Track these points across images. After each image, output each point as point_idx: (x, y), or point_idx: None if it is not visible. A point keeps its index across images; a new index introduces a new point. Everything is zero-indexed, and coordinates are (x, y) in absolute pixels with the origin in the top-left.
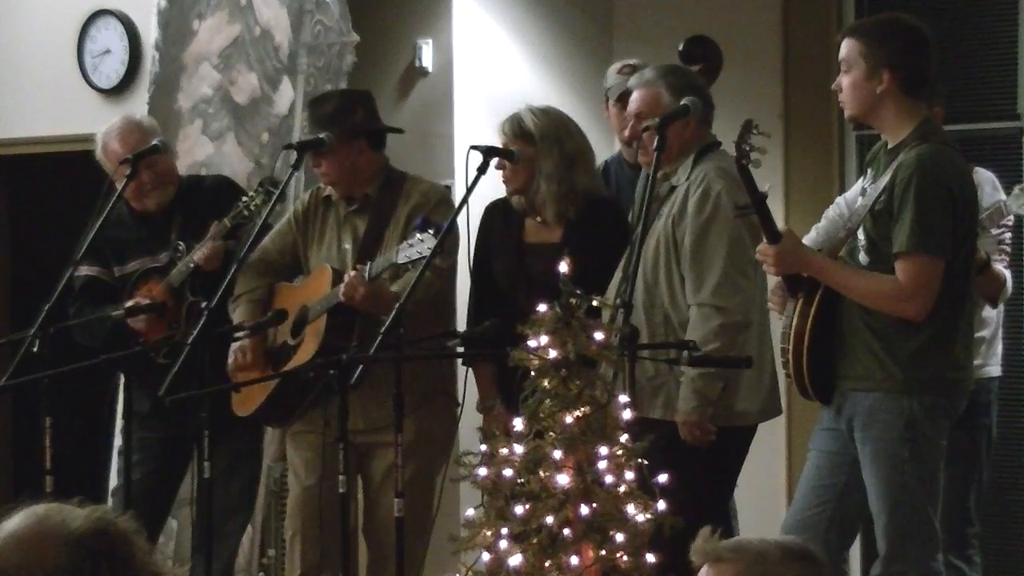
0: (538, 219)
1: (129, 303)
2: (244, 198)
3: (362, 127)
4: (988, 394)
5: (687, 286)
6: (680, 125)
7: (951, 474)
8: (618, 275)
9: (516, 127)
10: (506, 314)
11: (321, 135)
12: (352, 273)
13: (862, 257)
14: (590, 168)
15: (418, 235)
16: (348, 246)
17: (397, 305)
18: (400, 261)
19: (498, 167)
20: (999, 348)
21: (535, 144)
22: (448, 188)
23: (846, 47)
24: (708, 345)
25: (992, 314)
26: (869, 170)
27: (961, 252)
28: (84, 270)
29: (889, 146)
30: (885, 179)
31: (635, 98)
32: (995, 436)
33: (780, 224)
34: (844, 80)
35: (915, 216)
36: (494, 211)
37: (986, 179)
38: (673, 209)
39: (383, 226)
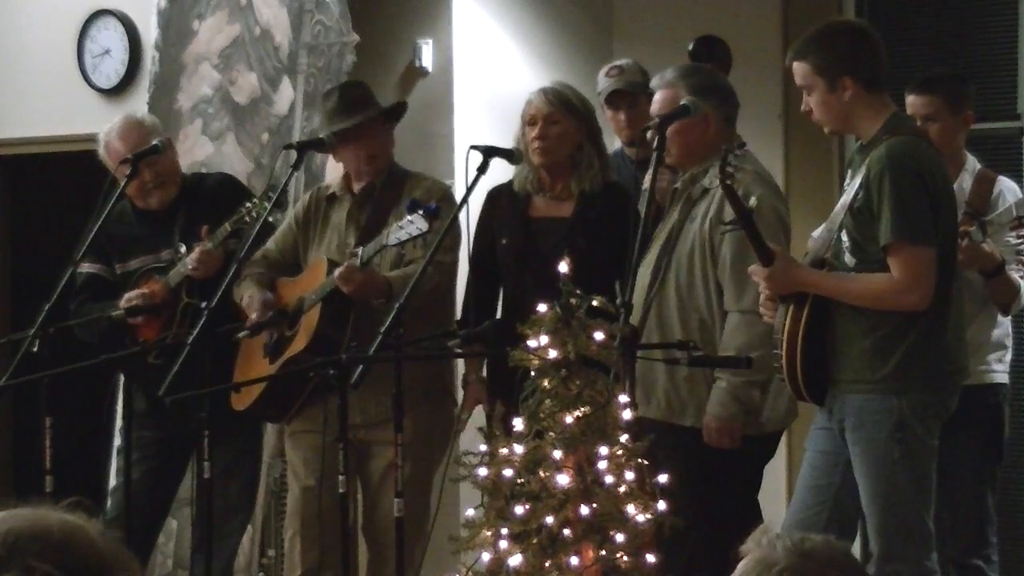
0: (548, 195)
1: (126, 296)
2: (247, 204)
3: (394, 108)
4: (996, 396)
5: (727, 292)
6: (700, 126)
7: (966, 474)
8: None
9: (562, 97)
10: (510, 302)
11: (346, 124)
12: (348, 261)
13: (848, 258)
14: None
15: (408, 217)
16: (351, 240)
17: (398, 305)
18: (391, 243)
19: (537, 138)
20: (1008, 356)
21: (579, 118)
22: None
23: (798, 72)
24: (753, 351)
25: (1005, 319)
26: (849, 171)
27: (945, 242)
28: (86, 267)
29: (862, 144)
30: (860, 177)
31: (656, 99)
32: (1007, 436)
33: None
34: (811, 101)
35: (894, 207)
36: (498, 195)
37: (1008, 188)
38: (710, 213)
39: (385, 219)
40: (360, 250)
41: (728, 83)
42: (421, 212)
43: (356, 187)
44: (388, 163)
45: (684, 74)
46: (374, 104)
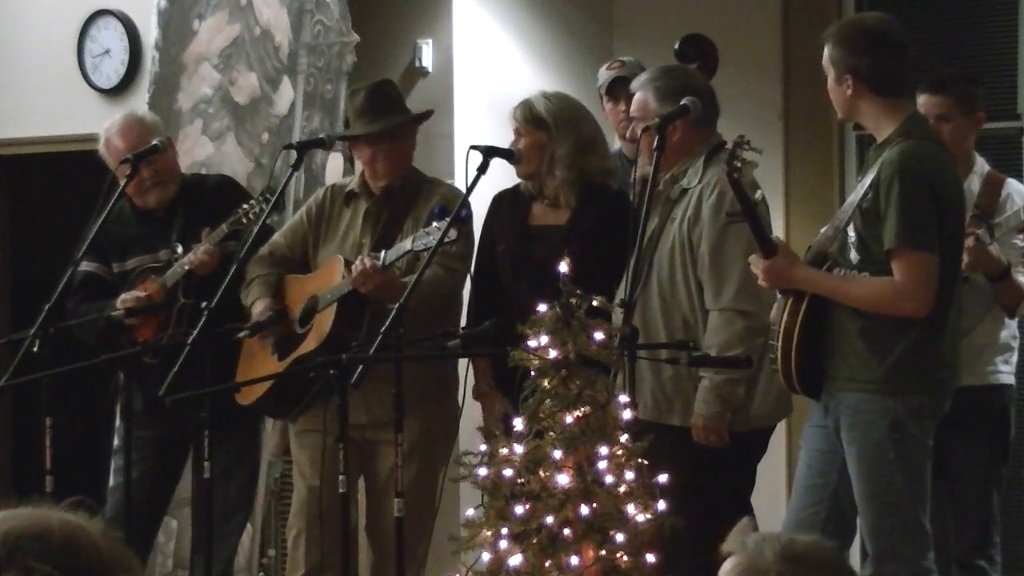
0: (545, 202)
1: (122, 297)
2: (244, 205)
3: (428, 113)
4: (1002, 397)
5: (706, 291)
6: (668, 127)
7: (971, 475)
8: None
9: (527, 112)
10: (508, 307)
11: (394, 121)
12: (366, 261)
13: (853, 255)
14: (602, 154)
15: (435, 224)
16: (366, 240)
17: (397, 306)
18: (416, 248)
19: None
20: (1014, 357)
21: (547, 129)
22: None
23: (824, 53)
24: (732, 350)
25: (1012, 320)
26: (863, 168)
27: (948, 248)
28: (84, 266)
29: (877, 143)
30: (870, 176)
31: (634, 100)
32: (1013, 437)
33: (780, 223)
34: (828, 85)
35: (900, 212)
36: (501, 199)
37: (1016, 190)
38: (688, 212)
39: (401, 222)
40: (383, 253)
41: (704, 85)
42: (449, 220)
43: (376, 187)
44: (410, 164)
45: (652, 77)
46: (405, 105)
